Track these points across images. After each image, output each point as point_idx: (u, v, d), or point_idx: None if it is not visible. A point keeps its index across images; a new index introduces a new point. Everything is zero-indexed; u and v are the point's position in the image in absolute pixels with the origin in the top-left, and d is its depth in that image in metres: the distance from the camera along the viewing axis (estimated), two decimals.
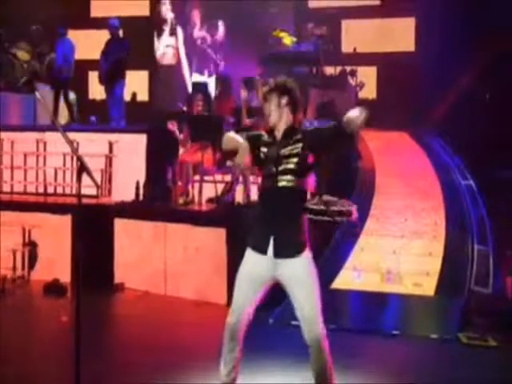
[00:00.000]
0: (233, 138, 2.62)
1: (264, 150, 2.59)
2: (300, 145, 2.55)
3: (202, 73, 7.81)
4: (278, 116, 2.59)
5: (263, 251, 2.56)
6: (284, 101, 2.58)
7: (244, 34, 8.45)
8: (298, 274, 2.55)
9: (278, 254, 2.54)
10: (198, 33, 8.02)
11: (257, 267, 2.58)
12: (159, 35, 7.45)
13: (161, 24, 7.45)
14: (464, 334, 4.12)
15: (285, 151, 2.55)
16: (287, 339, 3.95)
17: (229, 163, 5.96)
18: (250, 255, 2.62)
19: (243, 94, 6.27)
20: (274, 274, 2.58)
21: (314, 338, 2.54)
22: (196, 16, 8.19)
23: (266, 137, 2.64)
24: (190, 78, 7.87)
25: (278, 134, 2.60)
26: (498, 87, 7.93)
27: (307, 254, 2.59)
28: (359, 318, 4.64)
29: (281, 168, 2.53)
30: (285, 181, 2.52)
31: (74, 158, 6.64)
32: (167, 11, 7.41)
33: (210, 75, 7.83)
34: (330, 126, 2.59)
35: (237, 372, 2.65)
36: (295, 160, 2.53)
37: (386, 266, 5.18)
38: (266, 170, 2.57)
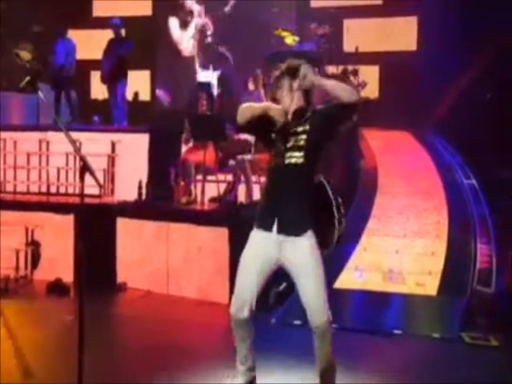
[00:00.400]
0: (250, 106, 2.59)
1: (275, 130, 2.59)
2: (308, 123, 2.54)
3: (207, 67, 7.79)
4: (290, 100, 2.58)
5: (268, 228, 2.54)
6: (296, 84, 2.57)
7: (246, 34, 8.46)
8: (302, 255, 2.52)
9: (282, 230, 2.52)
10: (200, 20, 8.03)
11: (261, 247, 2.56)
12: (183, 27, 7.38)
13: (185, 16, 7.38)
14: (466, 334, 4.11)
15: (294, 129, 2.54)
16: (289, 339, 3.96)
17: (231, 163, 5.98)
18: (254, 235, 2.61)
19: (251, 87, 6.25)
20: (278, 255, 2.54)
21: (318, 325, 2.52)
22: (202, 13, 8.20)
23: (279, 119, 2.59)
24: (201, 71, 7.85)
25: (289, 116, 2.60)
26: (499, 86, 7.91)
27: (311, 235, 2.54)
28: (361, 317, 4.64)
29: (289, 145, 2.52)
30: (293, 158, 2.51)
31: (77, 158, 6.64)
32: (193, 3, 7.36)
33: (215, 70, 7.82)
34: (334, 103, 2.55)
35: (254, 371, 2.63)
36: (304, 137, 2.52)
37: (388, 266, 5.18)
38: (275, 148, 2.55)
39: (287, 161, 2.51)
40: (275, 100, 2.63)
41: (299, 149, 2.50)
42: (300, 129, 2.53)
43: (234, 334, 2.63)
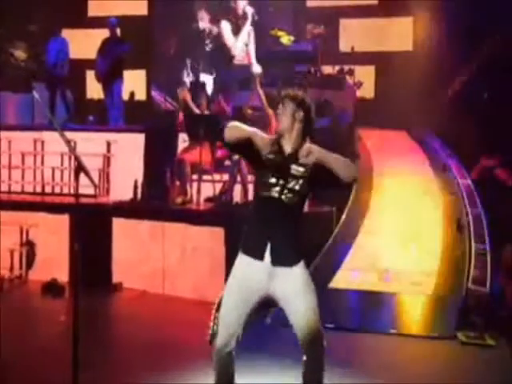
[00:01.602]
0: (238, 127, 2.50)
1: (270, 156, 2.49)
2: (309, 169, 2.46)
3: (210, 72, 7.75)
4: (289, 125, 2.49)
5: (259, 256, 2.45)
6: (299, 115, 2.50)
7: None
8: (298, 285, 2.45)
9: (276, 261, 2.44)
10: (207, 24, 7.96)
11: (251, 275, 2.46)
12: (236, 32, 6.75)
13: (237, 19, 6.80)
14: (462, 333, 4.12)
15: (293, 169, 2.47)
16: (285, 339, 3.94)
17: (227, 162, 5.97)
18: (243, 262, 2.50)
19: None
20: (268, 285, 2.46)
21: (313, 355, 2.44)
22: (203, 14, 8.16)
23: (271, 145, 2.51)
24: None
25: (286, 147, 2.51)
26: (495, 86, 7.94)
27: (304, 266, 2.51)
28: (357, 317, 4.64)
29: (288, 185, 2.46)
30: (288, 196, 2.46)
31: (72, 158, 6.64)
32: (246, 5, 6.83)
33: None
34: (338, 163, 2.45)
35: None
36: (301, 182, 2.47)
37: (383, 265, 5.19)
38: (268, 178, 2.47)
39: (283, 197, 2.46)
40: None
41: (296, 192, 2.48)
42: (298, 171, 2.47)
43: (216, 369, 2.50)
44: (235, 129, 2.50)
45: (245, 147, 2.51)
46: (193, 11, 8.39)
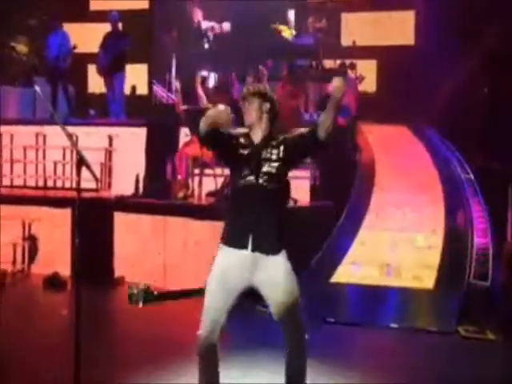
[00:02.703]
0: (212, 115, 2.47)
1: (242, 151, 2.52)
2: (281, 149, 2.50)
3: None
4: (258, 117, 2.53)
5: (242, 246, 2.45)
6: (265, 107, 2.54)
7: (244, 28, 8.43)
8: (279, 275, 2.45)
9: (258, 248, 2.44)
10: (207, 24, 8.02)
11: (234, 265, 2.46)
12: None
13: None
14: (463, 327, 4.13)
15: (265, 154, 2.50)
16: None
17: None
18: (224, 253, 2.50)
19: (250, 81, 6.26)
20: (251, 275, 2.45)
21: (296, 345, 2.45)
22: (197, 14, 8.20)
23: (242, 139, 2.54)
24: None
25: (255, 137, 2.55)
26: (496, 81, 7.91)
27: (285, 255, 2.50)
28: (358, 311, 4.65)
29: (263, 170, 2.47)
30: (266, 180, 2.46)
31: (74, 152, 6.64)
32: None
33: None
34: (306, 134, 2.52)
35: None
36: (276, 165, 2.48)
37: (385, 260, 5.20)
38: (243, 168, 2.48)
39: (260, 181, 2.46)
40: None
41: (272, 175, 2.48)
42: (273, 156, 2.50)
43: (201, 361, 2.48)
44: (205, 117, 2.50)
45: (219, 138, 2.50)
46: (190, 7, 8.42)
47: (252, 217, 2.47)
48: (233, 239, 2.51)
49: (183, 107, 6.29)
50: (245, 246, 2.46)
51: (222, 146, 2.56)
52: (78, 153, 2.49)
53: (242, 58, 7.91)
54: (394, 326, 4.27)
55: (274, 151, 2.51)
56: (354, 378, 3.29)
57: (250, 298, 2.67)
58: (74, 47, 7.49)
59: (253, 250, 2.46)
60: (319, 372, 3.17)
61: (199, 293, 2.58)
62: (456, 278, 4.81)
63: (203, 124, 2.49)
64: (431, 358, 3.76)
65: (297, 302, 2.49)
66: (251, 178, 2.47)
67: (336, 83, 2.47)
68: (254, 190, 2.47)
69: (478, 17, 8.08)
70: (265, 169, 2.48)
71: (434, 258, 5.19)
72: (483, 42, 8.20)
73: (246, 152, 2.52)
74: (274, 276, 2.47)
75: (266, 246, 2.46)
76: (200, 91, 6.45)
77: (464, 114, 7.38)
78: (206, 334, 2.47)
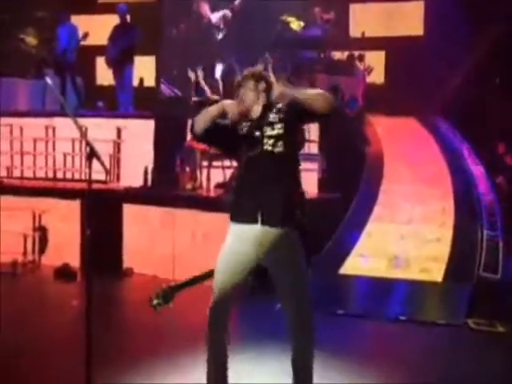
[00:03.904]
0: (204, 112, 2.42)
1: (243, 128, 2.43)
2: (282, 113, 2.40)
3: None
4: (255, 99, 2.44)
5: (252, 220, 2.33)
6: (261, 87, 2.46)
7: (251, 19, 8.40)
8: (288, 253, 2.34)
9: (268, 221, 2.32)
10: (216, 15, 8.02)
11: (243, 242, 2.35)
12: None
13: None
14: (472, 320, 4.12)
15: (267, 120, 2.41)
16: None
17: None
18: (234, 231, 2.40)
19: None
20: (261, 251, 2.34)
21: (302, 326, 2.36)
22: (204, 7, 8.17)
23: (242, 124, 2.45)
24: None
25: (254, 114, 2.46)
26: (508, 71, 7.83)
27: (295, 232, 2.36)
28: (366, 303, 4.65)
29: (266, 134, 2.36)
30: (272, 146, 2.36)
31: (83, 144, 6.66)
32: None
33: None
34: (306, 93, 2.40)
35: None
36: (280, 126, 2.38)
37: (393, 252, 5.19)
38: (248, 143, 2.38)
39: (265, 148, 2.35)
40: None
41: (277, 138, 2.37)
42: (275, 119, 2.41)
43: (210, 347, 2.39)
44: (203, 116, 2.44)
45: (218, 131, 2.44)
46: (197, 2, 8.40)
47: (261, 187, 2.35)
48: (241, 214, 2.38)
49: (194, 99, 6.30)
50: (254, 220, 2.34)
51: (221, 139, 2.49)
52: (89, 144, 2.49)
53: (250, 49, 7.88)
54: (402, 318, 4.26)
55: (275, 115, 2.42)
56: (362, 371, 3.30)
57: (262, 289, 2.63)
58: (86, 35, 7.49)
59: (263, 224, 2.33)
60: (326, 365, 3.18)
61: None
62: (465, 270, 4.79)
63: (197, 127, 2.42)
64: (440, 350, 3.75)
65: (303, 285, 2.37)
66: (256, 146, 2.37)
67: None
68: (261, 158, 2.36)
69: (487, 6, 7.98)
70: (268, 133, 2.38)
71: (443, 250, 5.17)
72: (493, 31, 8.11)
73: (246, 128, 2.43)
74: (283, 254, 2.35)
75: (276, 218, 2.33)
76: (203, 83, 6.44)
77: (474, 104, 7.32)
78: (217, 311, 2.39)
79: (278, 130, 2.39)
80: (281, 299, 2.44)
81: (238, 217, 2.40)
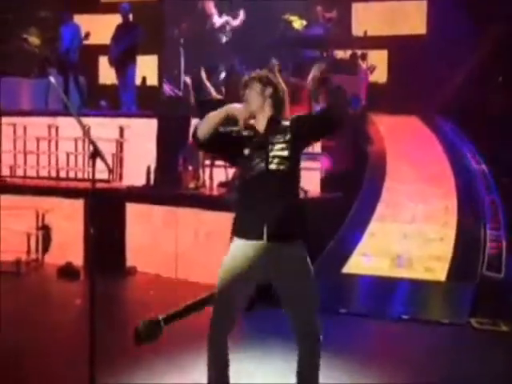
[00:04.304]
0: (207, 117, 2.38)
1: (247, 144, 2.41)
2: (289, 133, 2.39)
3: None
4: (260, 104, 2.42)
5: (257, 237, 2.34)
6: (267, 92, 2.42)
7: (253, 19, 8.39)
8: (295, 267, 2.35)
9: (273, 237, 2.33)
10: (220, 19, 8.03)
11: (248, 258, 2.35)
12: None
13: None
14: (475, 319, 4.11)
15: (272, 139, 2.39)
16: None
17: None
18: (238, 246, 2.39)
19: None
20: (266, 266, 2.35)
21: (309, 339, 2.35)
22: (210, 7, 8.17)
23: (245, 132, 2.43)
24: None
25: (260, 125, 2.44)
26: (511, 70, 7.81)
27: (302, 245, 2.39)
28: (369, 302, 4.65)
29: (272, 154, 2.36)
30: (277, 165, 2.36)
31: (86, 143, 6.68)
32: None
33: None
34: (315, 114, 2.48)
35: None
36: (285, 146, 2.37)
37: (396, 251, 5.19)
38: (252, 160, 2.37)
39: (271, 167, 2.36)
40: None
41: (283, 158, 2.37)
42: (281, 139, 2.40)
43: (212, 361, 2.39)
44: (207, 120, 2.40)
45: (222, 138, 2.42)
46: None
47: (265, 205, 2.35)
48: (247, 230, 2.39)
49: (198, 99, 6.31)
50: (260, 237, 2.35)
51: (225, 147, 2.46)
52: (93, 144, 2.49)
53: (253, 49, 7.88)
54: (405, 317, 4.26)
55: (281, 135, 2.41)
56: (364, 370, 3.30)
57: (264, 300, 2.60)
58: (87, 35, 7.51)
59: (268, 240, 2.35)
60: (330, 364, 3.18)
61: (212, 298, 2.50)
62: (468, 269, 4.78)
63: (200, 132, 2.37)
64: (443, 350, 3.75)
65: (312, 298, 2.38)
66: (261, 165, 2.37)
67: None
68: (265, 176, 2.36)
69: (490, 4, 7.96)
70: (273, 153, 2.38)
71: (446, 249, 5.16)
72: (496, 30, 8.09)
73: (251, 143, 2.41)
74: (292, 268, 2.36)
75: (281, 234, 2.35)
76: (207, 83, 6.45)
77: (477, 103, 7.30)
78: (220, 328, 2.39)
79: (283, 151, 2.39)
80: (288, 312, 2.42)
81: (243, 233, 2.41)
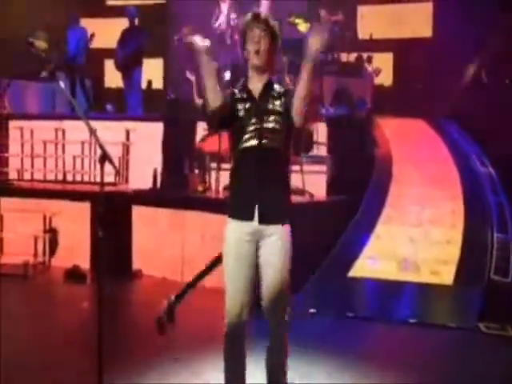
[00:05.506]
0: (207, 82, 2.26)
1: (240, 106, 2.32)
2: (283, 103, 2.31)
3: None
4: (266, 60, 2.31)
5: (249, 217, 2.30)
6: (274, 47, 2.32)
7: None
8: (276, 252, 2.31)
9: (264, 219, 2.30)
10: (225, 20, 8.05)
11: (244, 239, 2.32)
12: None
13: None
14: (483, 324, 4.09)
15: (266, 105, 2.31)
16: (305, 327, 3.96)
17: None
18: (233, 227, 2.36)
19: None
20: (257, 248, 2.32)
21: (274, 326, 2.34)
22: (225, 4, 8.18)
23: (238, 94, 2.35)
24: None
25: (255, 89, 2.34)
26: None
27: (288, 231, 2.34)
28: (376, 306, 4.64)
29: (264, 125, 2.28)
30: (269, 138, 2.29)
31: (92, 146, 6.71)
32: None
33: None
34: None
35: None
36: (278, 118, 2.30)
37: (402, 255, 5.17)
38: (245, 130, 2.29)
39: (263, 141, 2.28)
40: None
41: (274, 132, 2.30)
42: (276, 107, 2.31)
43: (229, 356, 2.35)
44: (206, 88, 2.28)
45: (226, 108, 2.31)
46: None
47: (257, 184, 2.31)
48: (239, 211, 2.35)
49: (199, 101, 6.30)
50: (251, 218, 2.31)
51: (228, 119, 2.35)
52: (101, 147, 2.51)
53: None
54: (412, 321, 4.25)
55: (276, 102, 2.32)
56: (371, 374, 3.29)
57: None
58: (92, 36, 7.55)
59: (260, 222, 2.32)
60: (337, 368, 3.18)
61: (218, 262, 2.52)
62: (476, 273, 4.76)
63: (209, 95, 2.26)
64: (451, 354, 3.73)
65: (284, 290, 2.33)
66: (254, 138, 2.30)
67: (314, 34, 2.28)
68: (258, 153, 2.30)
69: (495, 7, 7.95)
70: (266, 124, 2.29)
71: (453, 252, 5.14)
72: (502, 32, 8.07)
73: (246, 107, 2.32)
74: (271, 254, 2.33)
75: (272, 216, 2.32)
76: None
77: (483, 105, 7.28)
78: (232, 317, 2.33)
79: (276, 123, 2.30)
80: (262, 300, 2.38)
81: (236, 213, 2.37)
